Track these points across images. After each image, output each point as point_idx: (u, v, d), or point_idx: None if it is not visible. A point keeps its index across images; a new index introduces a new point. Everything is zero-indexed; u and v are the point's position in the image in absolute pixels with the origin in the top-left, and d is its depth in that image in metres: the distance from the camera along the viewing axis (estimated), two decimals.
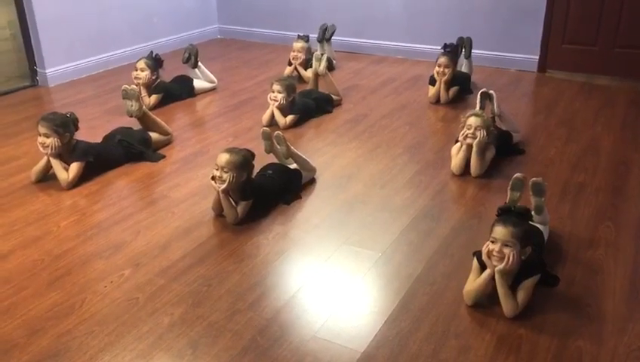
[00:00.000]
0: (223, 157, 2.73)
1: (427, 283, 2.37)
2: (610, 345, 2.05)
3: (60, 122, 3.15)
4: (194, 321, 2.17)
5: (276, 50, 5.74)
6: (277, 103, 3.91)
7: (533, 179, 2.48)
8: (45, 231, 2.78)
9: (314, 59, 4.33)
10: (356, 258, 2.55)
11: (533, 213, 2.43)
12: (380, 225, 2.80)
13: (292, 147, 3.11)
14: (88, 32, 5.07)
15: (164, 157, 3.53)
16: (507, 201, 2.50)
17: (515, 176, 2.52)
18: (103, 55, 5.23)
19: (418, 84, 4.76)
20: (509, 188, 2.52)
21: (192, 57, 4.60)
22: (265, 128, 3.13)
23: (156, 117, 3.68)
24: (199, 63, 4.65)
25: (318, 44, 5.17)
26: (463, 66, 4.61)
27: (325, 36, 5.19)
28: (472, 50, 4.67)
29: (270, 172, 3.03)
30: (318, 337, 2.09)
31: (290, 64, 4.93)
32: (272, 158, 3.20)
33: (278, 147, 3.09)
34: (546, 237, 2.52)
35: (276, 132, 3.10)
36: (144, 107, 3.61)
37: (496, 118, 3.50)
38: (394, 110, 4.25)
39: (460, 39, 4.66)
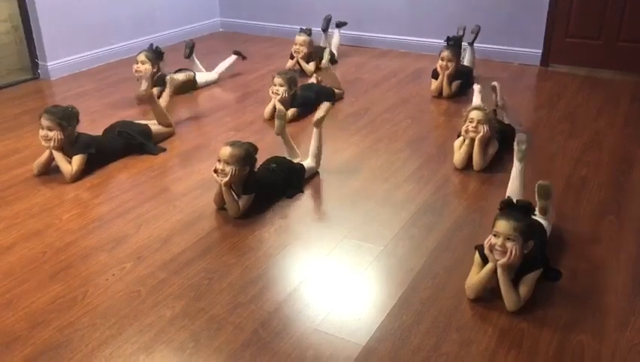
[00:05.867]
0: (226, 151, 2.73)
1: (429, 277, 2.36)
2: (612, 339, 2.05)
3: (63, 115, 3.15)
4: (195, 314, 2.17)
5: (278, 44, 5.72)
6: (279, 97, 3.90)
7: (540, 181, 2.45)
8: (47, 224, 2.78)
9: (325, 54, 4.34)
10: (358, 252, 2.55)
11: (537, 212, 2.44)
12: (381, 219, 2.80)
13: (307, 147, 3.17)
14: (90, 24, 5.05)
15: (164, 150, 3.53)
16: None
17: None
18: (105, 48, 5.22)
19: (420, 77, 4.74)
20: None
21: (190, 50, 4.63)
22: (281, 108, 3.19)
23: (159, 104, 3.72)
24: (194, 57, 4.66)
25: (322, 34, 5.18)
26: (465, 56, 4.59)
27: (329, 26, 5.20)
28: (475, 44, 4.66)
29: (273, 165, 3.03)
30: (319, 330, 2.09)
31: (292, 57, 4.91)
32: (274, 152, 3.20)
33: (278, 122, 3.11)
34: (548, 232, 2.51)
35: (279, 107, 3.18)
36: (153, 92, 3.65)
37: (499, 110, 3.50)
38: (396, 104, 4.23)
39: (462, 28, 4.67)
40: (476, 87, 3.86)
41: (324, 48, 4.65)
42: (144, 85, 3.66)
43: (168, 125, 3.69)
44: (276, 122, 3.13)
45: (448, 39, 4.41)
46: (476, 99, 3.75)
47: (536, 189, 2.46)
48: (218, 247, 2.59)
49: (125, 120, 3.61)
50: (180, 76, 4.00)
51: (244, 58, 4.90)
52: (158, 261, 2.49)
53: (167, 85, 3.92)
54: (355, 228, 2.73)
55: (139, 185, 3.17)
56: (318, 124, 3.17)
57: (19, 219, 2.82)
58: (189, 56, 4.64)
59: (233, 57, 4.83)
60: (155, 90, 4.26)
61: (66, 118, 3.15)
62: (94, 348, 2.02)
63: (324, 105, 3.23)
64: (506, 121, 3.51)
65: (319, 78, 4.39)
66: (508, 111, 3.55)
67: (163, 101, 3.81)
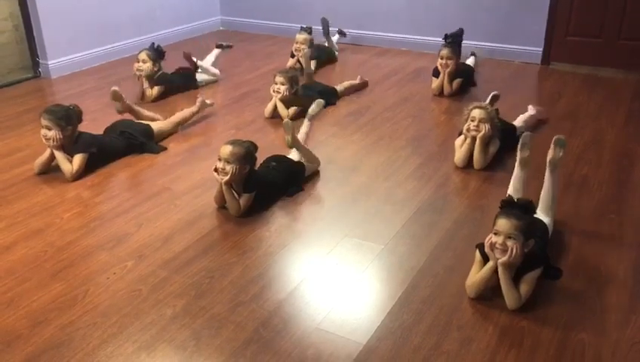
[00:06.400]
0: (227, 149, 2.73)
1: (430, 276, 2.37)
2: (612, 337, 2.05)
3: (63, 115, 3.15)
4: (197, 313, 2.17)
5: (279, 42, 5.72)
6: (280, 95, 3.90)
7: (557, 136, 2.56)
8: (48, 222, 2.78)
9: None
10: (359, 250, 2.55)
11: (547, 171, 2.52)
12: (382, 218, 2.80)
13: (298, 138, 3.11)
14: (90, 23, 5.05)
15: (165, 149, 3.53)
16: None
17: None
18: (106, 47, 5.22)
19: (421, 76, 4.74)
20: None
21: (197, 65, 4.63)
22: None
23: (140, 108, 3.77)
24: (198, 62, 4.65)
25: (326, 38, 5.21)
26: (467, 60, 4.59)
27: (329, 29, 5.21)
28: (476, 42, 4.67)
29: (274, 164, 3.03)
30: (320, 329, 2.10)
31: (292, 56, 4.91)
32: (274, 150, 3.20)
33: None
34: (550, 231, 2.51)
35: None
36: (128, 103, 3.67)
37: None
38: (397, 102, 4.23)
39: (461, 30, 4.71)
40: (493, 93, 3.82)
41: (328, 48, 4.65)
42: (118, 106, 3.63)
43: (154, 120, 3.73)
44: (315, 106, 3.34)
45: (446, 37, 4.41)
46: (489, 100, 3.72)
47: (553, 141, 2.53)
48: (219, 246, 2.59)
49: (126, 119, 3.61)
50: (208, 101, 3.97)
51: (229, 47, 4.85)
52: (158, 260, 2.49)
53: (198, 104, 3.86)
54: (355, 226, 2.73)
55: (140, 184, 3.17)
56: (295, 144, 3.05)
57: (20, 217, 2.83)
58: (196, 68, 4.61)
59: (216, 51, 4.79)
60: (156, 90, 4.29)
61: (65, 118, 3.15)
62: (95, 346, 2.02)
63: (287, 127, 3.00)
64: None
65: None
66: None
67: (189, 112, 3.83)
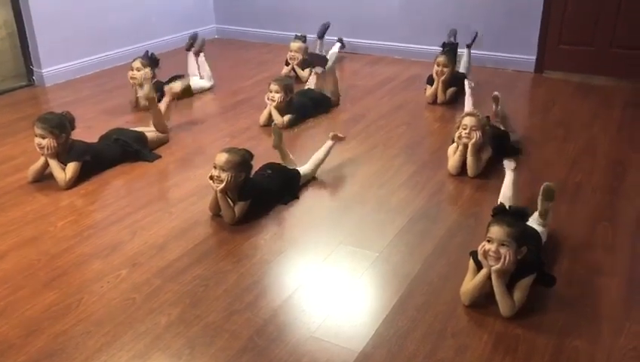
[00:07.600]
0: (222, 157, 2.73)
1: (424, 283, 2.37)
2: (606, 344, 2.05)
3: (56, 123, 3.14)
4: (191, 321, 2.17)
5: (273, 50, 5.73)
6: (274, 103, 3.91)
7: (546, 183, 2.48)
8: (42, 231, 2.77)
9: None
10: (353, 258, 2.55)
11: (538, 217, 2.48)
12: (377, 226, 2.80)
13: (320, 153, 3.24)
14: (85, 31, 5.05)
15: (159, 157, 3.53)
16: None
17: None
18: (100, 55, 5.22)
19: (415, 84, 4.76)
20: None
21: (192, 43, 4.65)
22: (275, 124, 3.24)
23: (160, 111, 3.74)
24: (192, 54, 4.66)
25: (317, 41, 5.21)
26: (460, 60, 4.61)
27: (324, 34, 5.24)
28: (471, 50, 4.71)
29: (269, 171, 3.03)
30: (315, 337, 2.09)
31: (287, 64, 4.93)
32: (270, 158, 3.20)
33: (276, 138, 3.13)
34: (544, 239, 2.52)
35: (274, 126, 3.20)
36: (153, 94, 3.65)
37: (499, 120, 3.51)
38: (391, 110, 4.25)
39: (453, 34, 4.72)
40: (467, 90, 3.84)
41: (323, 56, 4.65)
42: (146, 89, 3.68)
43: (164, 131, 3.70)
44: (273, 136, 3.14)
45: (444, 45, 4.43)
46: (468, 102, 3.76)
47: (541, 190, 2.48)
48: (214, 254, 2.59)
49: (121, 127, 3.60)
50: (177, 85, 4.03)
51: (194, 38, 4.83)
52: (153, 268, 2.48)
53: (166, 94, 3.91)
54: (350, 234, 2.73)
55: (134, 192, 3.17)
56: (337, 138, 3.26)
57: (13, 226, 2.81)
58: (189, 48, 4.66)
59: (201, 58, 4.79)
60: None
61: (58, 126, 3.14)
62: (89, 356, 2.01)
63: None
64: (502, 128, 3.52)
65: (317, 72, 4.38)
66: (508, 122, 3.55)
67: (161, 110, 3.80)
